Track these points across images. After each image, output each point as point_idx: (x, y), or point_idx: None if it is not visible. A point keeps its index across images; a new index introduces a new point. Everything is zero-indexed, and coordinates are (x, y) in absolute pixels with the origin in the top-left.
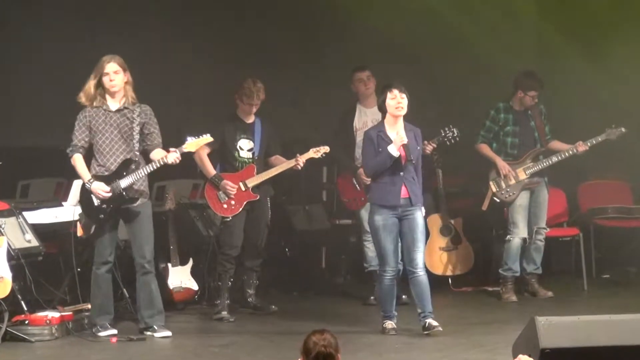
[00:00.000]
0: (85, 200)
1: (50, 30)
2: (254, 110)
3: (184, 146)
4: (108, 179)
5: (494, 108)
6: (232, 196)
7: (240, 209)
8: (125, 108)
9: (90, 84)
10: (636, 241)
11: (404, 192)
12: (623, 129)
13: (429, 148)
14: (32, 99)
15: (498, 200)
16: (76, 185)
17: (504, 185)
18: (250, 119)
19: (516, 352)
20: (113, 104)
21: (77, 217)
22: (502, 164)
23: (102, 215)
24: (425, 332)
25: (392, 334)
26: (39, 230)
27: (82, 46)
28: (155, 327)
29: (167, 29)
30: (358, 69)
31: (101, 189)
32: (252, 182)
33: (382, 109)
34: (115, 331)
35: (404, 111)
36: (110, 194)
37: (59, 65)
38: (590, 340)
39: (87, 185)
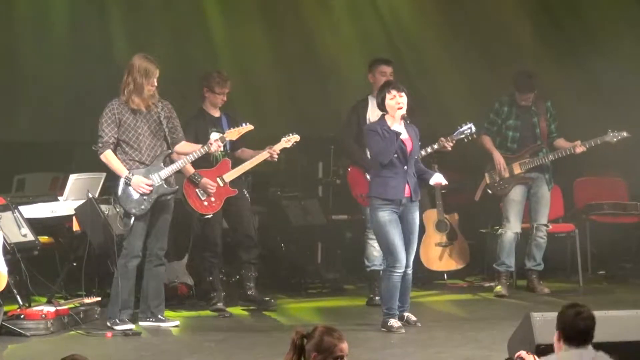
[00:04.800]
0: (124, 195)
1: (51, 23)
2: (224, 100)
3: (225, 134)
4: (147, 172)
5: (499, 101)
6: (212, 193)
7: (221, 206)
8: (151, 104)
9: (141, 83)
10: (632, 237)
11: (407, 189)
12: (625, 133)
13: (449, 146)
14: (29, 93)
15: (490, 192)
16: (72, 180)
17: (497, 178)
18: (217, 113)
19: (511, 348)
20: (141, 101)
21: (72, 212)
22: (498, 158)
23: (144, 207)
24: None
25: (402, 332)
26: (34, 224)
27: (82, 42)
28: (162, 317)
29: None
30: (384, 62)
31: (143, 182)
32: (229, 177)
33: (382, 108)
34: (132, 326)
35: (404, 110)
36: (151, 187)
37: (58, 60)
38: None
39: (127, 180)
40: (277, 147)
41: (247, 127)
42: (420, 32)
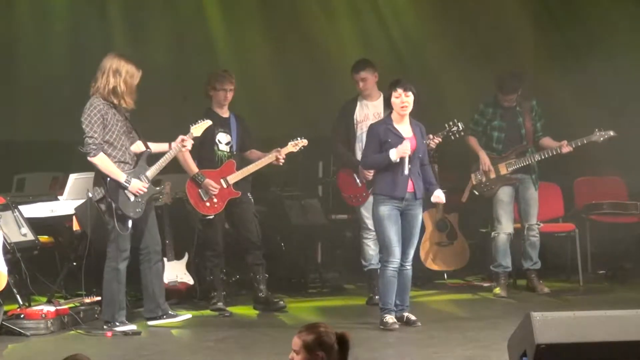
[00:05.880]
0: (121, 198)
1: (51, 22)
2: (229, 97)
3: (192, 132)
4: (137, 174)
5: (483, 102)
6: (215, 194)
7: (223, 207)
8: (119, 105)
9: (132, 84)
10: (631, 237)
11: (410, 185)
12: (612, 133)
13: (434, 142)
14: (28, 93)
15: (477, 193)
16: (72, 180)
17: (483, 179)
18: (226, 114)
19: (511, 347)
20: (132, 101)
21: (72, 211)
22: (484, 159)
23: (139, 209)
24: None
25: (395, 328)
26: (34, 224)
27: (82, 42)
28: (172, 313)
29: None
30: (359, 69)
31: (141, 186)
32: (233, 179)
33: (388, 105)
34: (134, 327)
35: (409, 109)
36: (147, 188)
37: (58, 60)
38: (586, 336)
39: (126, 184)
40: (285, 151)
41: (206, 122)
42: (421, 32)
